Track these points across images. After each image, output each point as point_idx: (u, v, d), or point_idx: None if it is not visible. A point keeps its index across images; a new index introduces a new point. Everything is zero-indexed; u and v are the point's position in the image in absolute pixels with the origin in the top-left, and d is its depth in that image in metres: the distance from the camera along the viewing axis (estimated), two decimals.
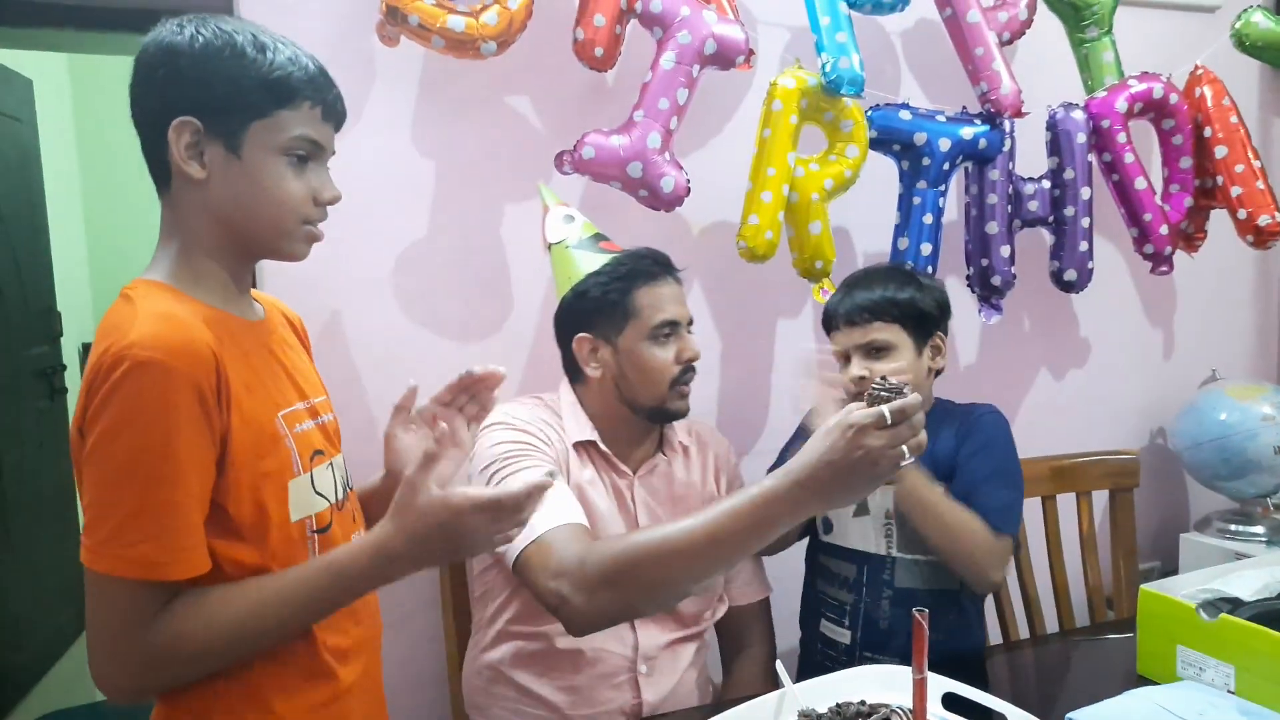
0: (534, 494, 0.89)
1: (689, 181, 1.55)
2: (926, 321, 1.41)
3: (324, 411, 1.06)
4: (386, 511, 0.91)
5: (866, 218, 1.89)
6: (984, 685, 1.07)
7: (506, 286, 1.68)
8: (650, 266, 1.37)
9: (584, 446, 1.39)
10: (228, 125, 0.91)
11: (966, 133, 1.71)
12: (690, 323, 1.40)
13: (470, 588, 1.45)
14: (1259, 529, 2.14)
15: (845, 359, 1.42)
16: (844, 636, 1.45)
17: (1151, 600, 1.25)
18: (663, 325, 1.36)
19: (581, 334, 1.38)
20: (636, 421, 1.40)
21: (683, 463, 1.47)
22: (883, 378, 1.00)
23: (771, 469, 1.52)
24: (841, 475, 0.95)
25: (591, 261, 1.39)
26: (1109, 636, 1.42)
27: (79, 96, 3.96)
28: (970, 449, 1.41)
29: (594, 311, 1.36)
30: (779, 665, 1.13)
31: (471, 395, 1.09)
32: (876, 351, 1.39)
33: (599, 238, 1.44)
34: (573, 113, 1.67)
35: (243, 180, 0.93)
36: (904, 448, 0.95)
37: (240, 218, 0.95)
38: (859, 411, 0.96)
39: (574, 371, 1.42)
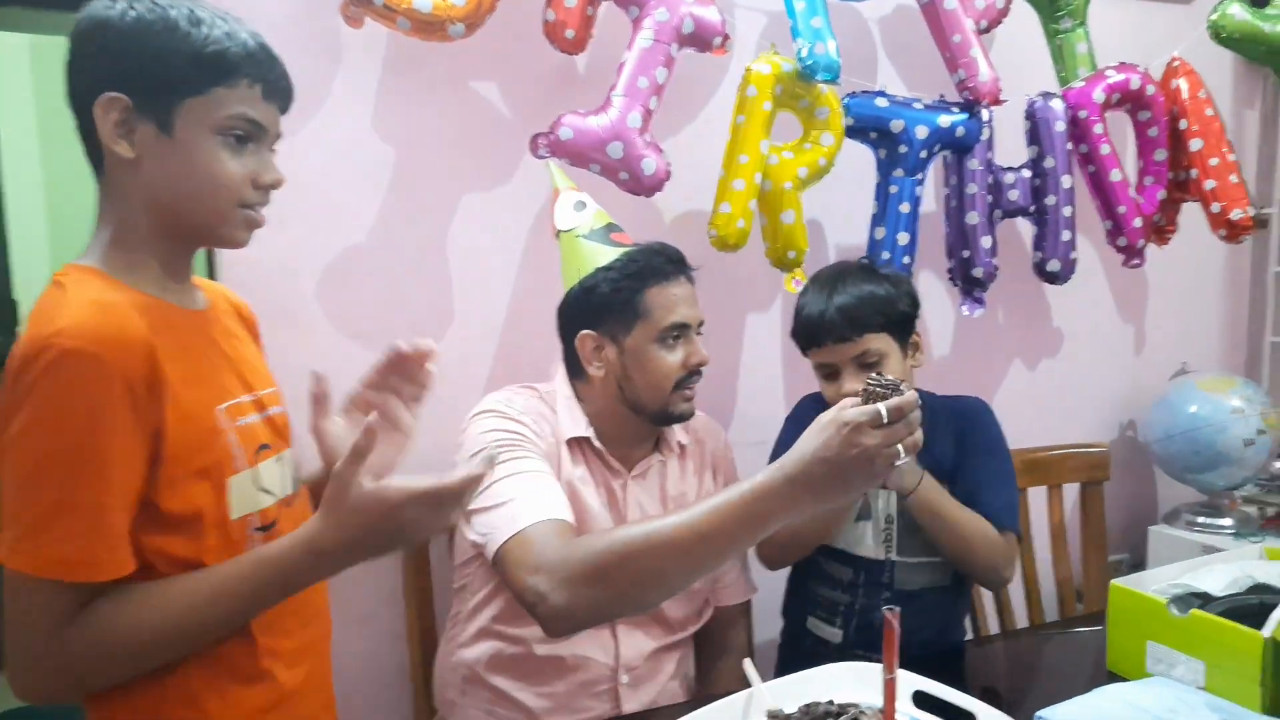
0: (472, 483, 0.87)
1: (669, 165, 1.52)
2: (908, 322, 1.39)
3: (272, 404, 1.02)
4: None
5: (838, 209, 1.87)
6: (959, 680, 1.06)
7: (474, 277, 1.64)
8: (664, 265, 1.32)
9: (577, 443, 1.35)
10: (158, 102, 0.87)
11: (944, 121, 1.69)
12: (700, 325, 1.36)
13: (451, 578, 1.41)
14: (1227, 521, 2.15)
15: (829, 373, 1.39)
16: (834, 635, 1.43)
17: (1122, 595, 1.24)
18: (673, 328, 1.31)
19: (586, 331, 1.33)
20: (636, 422, 1.36)
21: (678, 463, 1.44)
22: (877, 373, 0.98)
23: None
24: (836, 472, 0.92)
25: (602, 254, 1.33)
26: (1078, 630, 1.41)
27: (40, 79, 3.84)
28: (970, 448, 1.41)
29: (602, 308, 1.31)
30: (747, 664, 1.11)
31: (406, 376, 1.04)
32: (869, 364, 1.34)
33: (611, 228, 1.38)
34: (542, 98, 1.63)
35: (175, 161, 0.89)
36: (899, 446, 0.92)
37: (174, 200, 0.91)
38: (854, 409, 0.93)
39: (575, 368, 1.37)
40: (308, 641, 1.01)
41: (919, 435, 0.95)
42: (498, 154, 1.62)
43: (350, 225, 1.55)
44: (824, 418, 0.95)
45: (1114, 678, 1.24)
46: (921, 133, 1.67)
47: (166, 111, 0.88)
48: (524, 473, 1.21)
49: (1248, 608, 1.19)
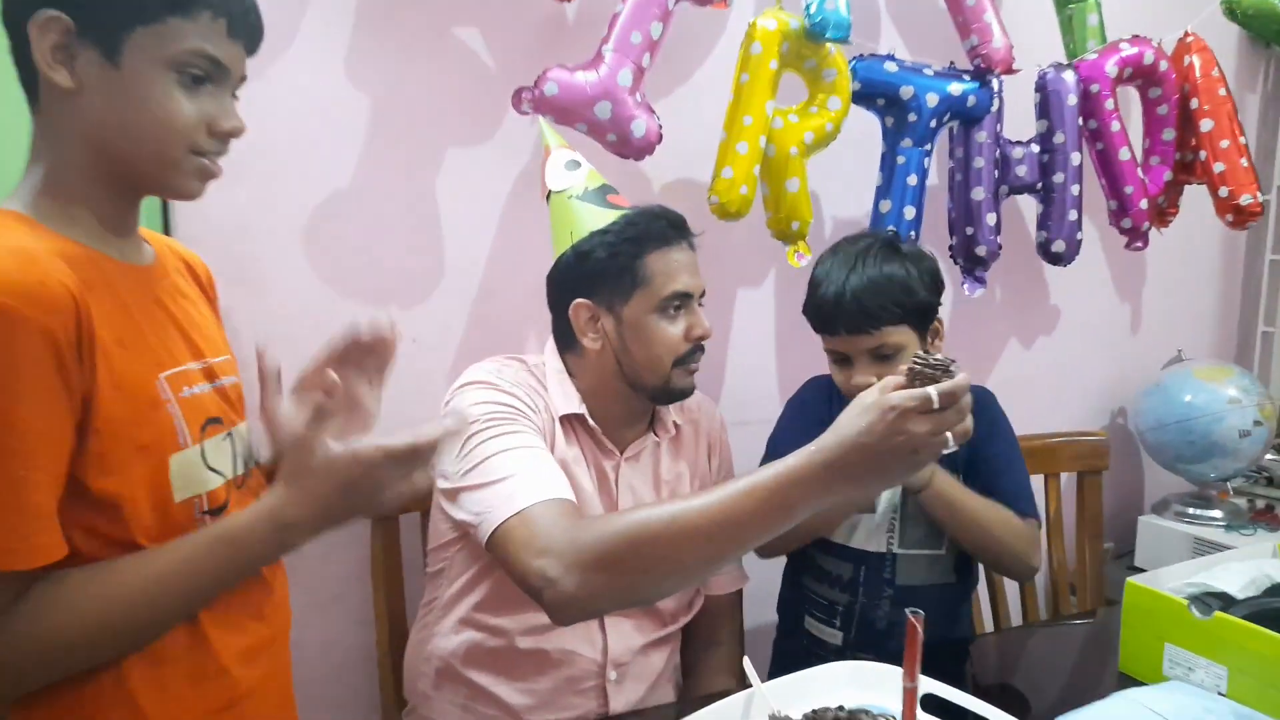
0: (450, 438, 0.82)
1: (661, 127, 1.41)
2: (929, 311, 1.29)
3: (225, 373, 0.91)
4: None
5: (836, 179, 1.77)
6: (965, 681, 0.99)
7: (449, 241, 1.52)
8: (665, 229, 1.22)
9: (571, 421, 1.25)
10: (105, 27, 0.76)
11: (955, 89, 1.60)
12: (703, 294, 1.26)
13: (424, 561, 1.31)
14: (1217, 513, 2.11)
15: (841, 359, 1.30)
16: (834, 637, 1.35)
17: (1138, 595, 1.18)
18: (674, 297, 1.21)
19: (580, 299, 1.23)
20: (633, 399, 1.26)
21: (672, 445, 1.35)
22: (924, 352, 0.89)
23: (764, 459, 1.42)
24: (876, 460, 0.84)
25: (597, 217, 1.23)
26: (1077, 622, 1.36)
27: None
28: (982, 436, 1.32)
29: (598, 275, 1.21)
30: (747, 663, 1.03)
31: (367, 349, 0.93)
32: (885, 357, 1.25)
33: (606, 189, 1.27)
34: (528, 50, 1.51)
35: (121, 95, 0.78)
36: (948, 434, 0.84)
37: (117, 140, 0.79)
38: (902, 392, 0.84)
39: (567, 339, 1.27)
40: (266, 638, 0.91)
41: (969, 423, 0.86)
42: (479, 107, 1.50)
43: (318, 181, 1.42)
44: (865, 399, 0.86)
45: (1125, 679, 1.18)
46: (932, 100, 1.58)
47: (114, 38, 0.77)
48: (521, 448, 1.11)
49: (1271, 611, 1.14)
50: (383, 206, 1.46)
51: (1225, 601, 1.18)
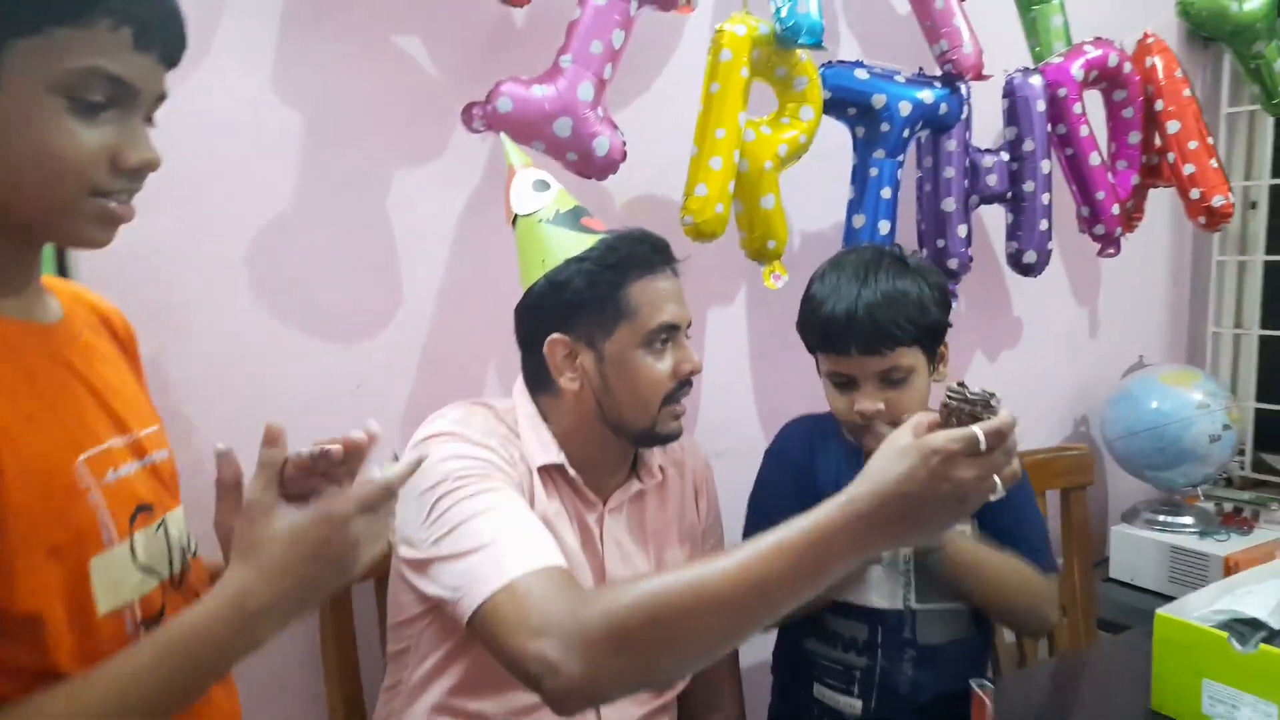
0: (409, 473, 0.72)
1: (625, 144, 1.29)
2: (940, 332, 1.20)
3: (154, 447, 0.76)
4: None
5: (803, 195, 1.67)
6: None
7: (396, 272, 1.36)
8: (649, 254, 1.10)
9: (549, 471, 1.11)
10: None
11: (926, 96, 1.52)
12: (689, 326, 1.14)
13: (384, 640, 1.16)
14: (1188, 519, 2.08)
15: (844, 383, 1.19)
16: (853, 707, 1.22)
17: (1170, 627, 1.10)
18: (661, 329, 1.09)
19: (556, 335, 1.09)
20: (615, 443, 1.14)
21: (658, 492, 1.22)
22: (960, 384, 0.79)
23: (747, 530, 1.29)
24: (919, 511, 0.75)
25: (572, 243, 1.10)
26: (1088, 656, 1.27)
27: None
28: None
29: (576, 307, 1.08)
30: None
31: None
32: (894, 382, 1.15)
33: (580, 212, 1.15)
34: (474, 59, 1.37)
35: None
36: (996, 478, 0.75)
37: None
38: (942, 434, 0.75)
39: (540, 380, 1.14)
40: None
41: (1017, 464, 0.78)
42: (425, 122, 1.35)
43: (245, 207, 1.25)
44: (898, 441, 0.77)
45: (1159, 718, 1.10)
46: (905, 109, 1.50)
47: None
48: (502, 508, 0.97)
49: None
50: (320, 234, 1.30)
51: (1253, 627, 1.11)
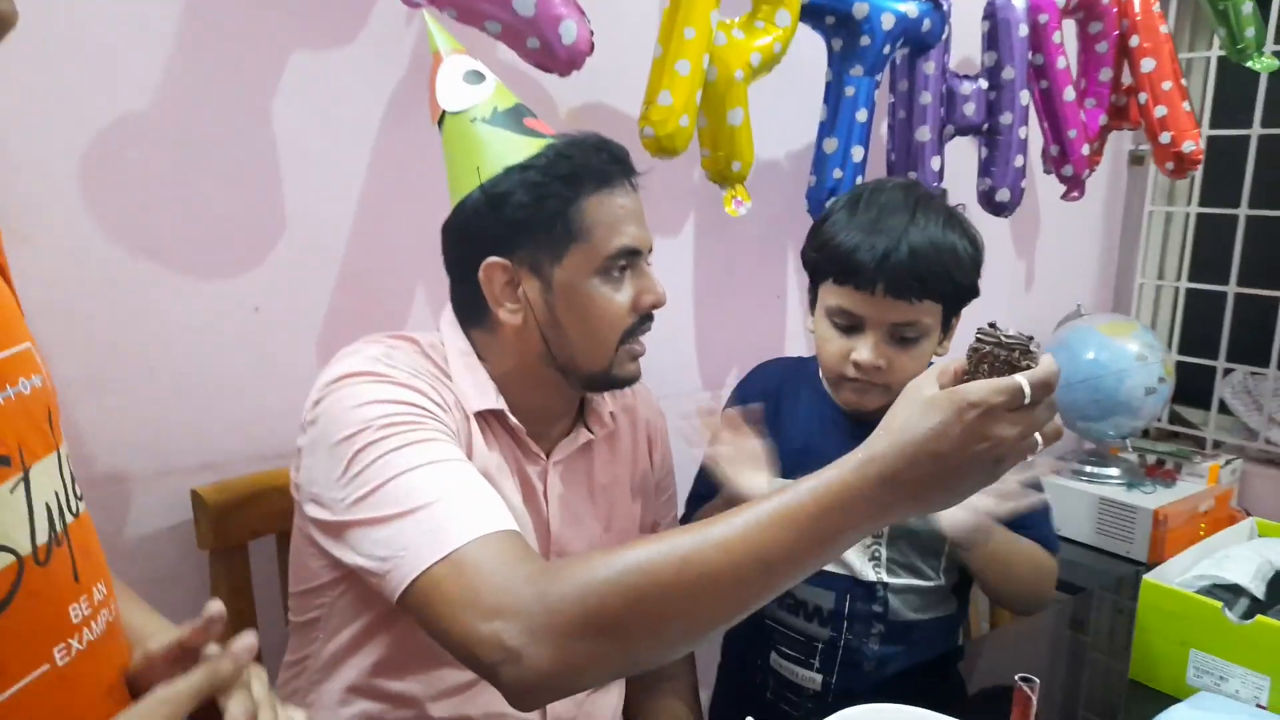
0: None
1: (594, 35, 1.10)
2: (966, 301, 1.08)
3: (25, 372, 0.56)
4: None
5: (762, 113, 1.52)
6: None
7: (301, 181, 1.14)
8: (606, 165, 0.91)
9: (488, 417, 0.94)
10: None
11: (910, 9, 1.37)
12: (650, 251, 0.98)
13: (285, 607, 0.99)
14: (1114, 470, 2.08)
15: (849, 324, 1.05)
16: (812, 680, 1.12)
17: (1158, 595, 1.04)
18: (621, 254, 0.92)
19: (494, 258, 0.91)
20: (562, 387, 0.97)
21: (607, 441, 1.07)
22: (991, 325, 0.67)
23: (685, 517, 1.16)
24: (949, 472, 0.65)
25: (514, 147, 0.91)
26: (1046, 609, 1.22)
27: None
28: None
29: (518, 226, 0.89)
30: None
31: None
32: (903, 340, 1.03)
33: (522, 111, 0.95)
34: None
35: None
36: (1037, 436, 0.65)
37: None
38: (982, 384, 0.64)
39: (474, 311, 0.96)
40: None
41: (1059, 421, 0.67)
42: None
43: (107, 94, 1.01)
44: (924, 390, 0.66)
45: (1137, 688, 1.05)
46: (887, 22, 1.35)
47: None
48: (439, 461, 0.81)
49: None
50: (201, 132, 1.06)
51: (1234, 593, 1.06)
